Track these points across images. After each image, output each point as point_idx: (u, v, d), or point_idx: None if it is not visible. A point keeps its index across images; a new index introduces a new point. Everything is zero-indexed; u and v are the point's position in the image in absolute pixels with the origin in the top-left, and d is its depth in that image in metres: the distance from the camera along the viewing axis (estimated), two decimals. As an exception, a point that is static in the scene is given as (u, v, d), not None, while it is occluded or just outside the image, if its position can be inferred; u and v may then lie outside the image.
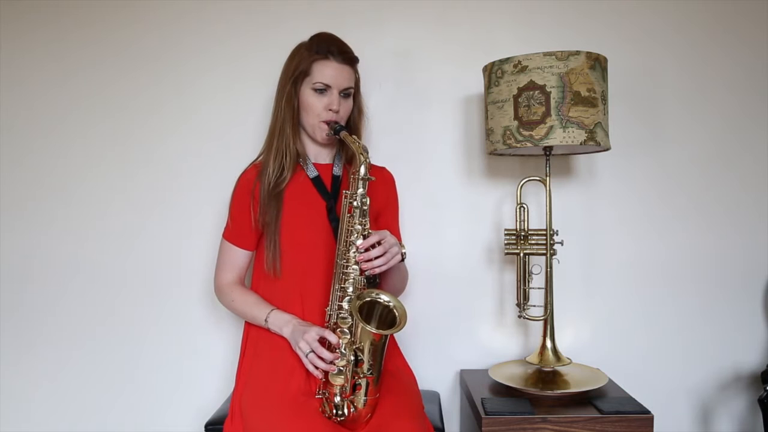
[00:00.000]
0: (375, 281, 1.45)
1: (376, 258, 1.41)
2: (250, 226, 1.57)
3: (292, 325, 1.47)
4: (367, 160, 1.44)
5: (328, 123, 1.53)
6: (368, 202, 1.45)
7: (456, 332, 1.99)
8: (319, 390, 1.43)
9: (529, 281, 1.77)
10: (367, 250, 1.42)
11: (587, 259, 1.99)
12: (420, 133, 1.98)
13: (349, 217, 1.44)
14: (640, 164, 1.99)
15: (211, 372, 1.99)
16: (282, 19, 1.95)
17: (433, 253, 1.97)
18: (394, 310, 1.40)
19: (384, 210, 1.68)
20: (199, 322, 1.99)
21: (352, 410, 1.39)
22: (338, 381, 1.39)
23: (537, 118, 1.60)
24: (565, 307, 1.95)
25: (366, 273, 1.43)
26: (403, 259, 1.51)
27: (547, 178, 1.74)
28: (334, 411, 1.40)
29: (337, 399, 1.39)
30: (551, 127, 1.59)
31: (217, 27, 1.97)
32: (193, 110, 1.97)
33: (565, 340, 1.97)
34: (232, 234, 1.61)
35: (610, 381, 1.78)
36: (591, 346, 1.98)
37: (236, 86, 1.97)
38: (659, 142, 1.99)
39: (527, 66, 1.61)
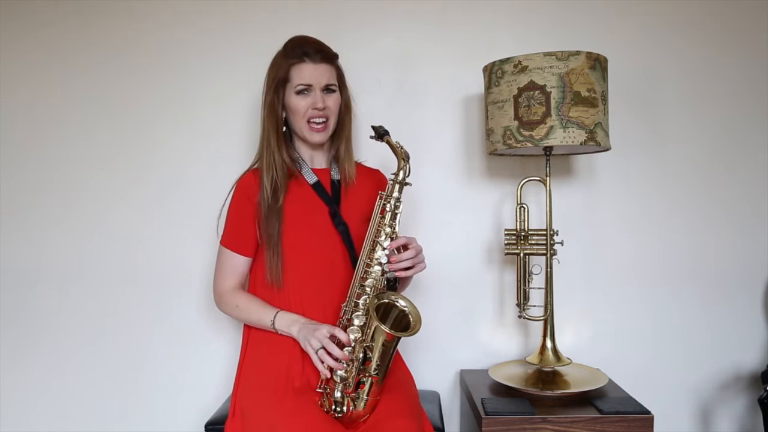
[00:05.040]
0: (395, 284, 1.46)
1: (405, 260, 1.43)
2: (250, 232, 1.56)
3: (300, 323, 1.47)
4: (408, 166, 1.47)
5: (374, 128, 1.52)
6: (401, 207, 1.47)
7: (456, 332, 1.99)
8: (321, 384, 1.43)
9: (529, 281, 1.77)
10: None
11: (587, 259, 1.99)
12: (420, 133, 1.97)
13: (381, 218, 1.46)
14: (640, 164, 1.99)
15: (211, 372, 1.99)
16: (283, 20, 1.95)
17: (433, 253, 1.94)
18: (409, 316, 1.41)
19: None
20: (200, 322, 1.99)
21: (351, 408, 1.39)
22: (343, 376, 1.39)
23: (537, 118, 1.60)
24: (565, 307, 1.95)
25: (387, 275, 1.44)
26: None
27: (548, 178, 1.74)
28: (333, 407, 1.40)
29: (338, 394, 1.39)
30: (551, 127, 1.59)
31: (218, 29, 1.97)
32: (195, 112, 1.97)
33: (565, 340, 1.97)
34: (230, 240, 1.58)
35: (610, 381, 1.78)
36: (591, 346, 1.98)
37: (238, 88, 1.96)
38: (659, 142, 1.99)
39: (527, 66, 1.61)
